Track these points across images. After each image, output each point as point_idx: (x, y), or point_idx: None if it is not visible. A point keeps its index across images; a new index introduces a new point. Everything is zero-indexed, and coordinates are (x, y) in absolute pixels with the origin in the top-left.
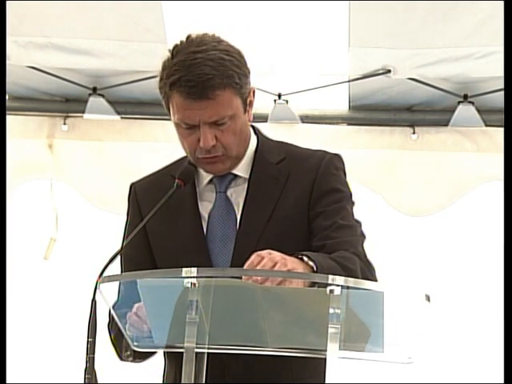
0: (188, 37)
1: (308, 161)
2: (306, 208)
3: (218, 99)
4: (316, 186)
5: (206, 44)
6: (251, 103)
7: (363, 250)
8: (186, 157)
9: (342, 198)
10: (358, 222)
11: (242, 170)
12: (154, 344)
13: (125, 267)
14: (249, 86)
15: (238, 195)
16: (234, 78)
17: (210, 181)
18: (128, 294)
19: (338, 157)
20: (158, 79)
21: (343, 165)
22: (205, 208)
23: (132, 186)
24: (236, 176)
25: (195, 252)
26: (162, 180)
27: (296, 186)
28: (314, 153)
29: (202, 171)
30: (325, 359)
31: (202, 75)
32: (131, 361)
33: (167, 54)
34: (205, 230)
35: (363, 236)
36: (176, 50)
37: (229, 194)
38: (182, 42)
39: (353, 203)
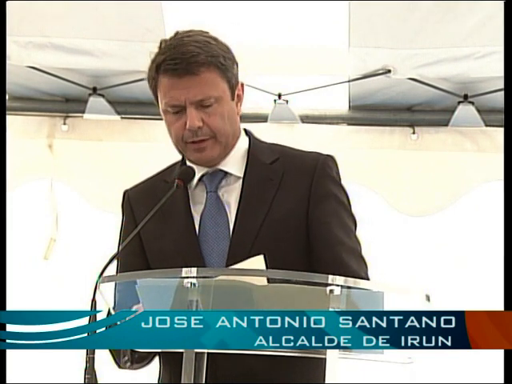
0: (176, 32)
1: (302, 162)
2: (304, 211)
3: (202, 76)
4: (313, 189)
5: (194, 32)
6: (240, 97)
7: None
8: (178, 161)
9: (340, 207)
10: (359, 243)
11: (234, 167)
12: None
13: (120, 272)
14: (236, 74)
15: (229, 195)
16: (219, 57)
17: (200, 179)
18: (127, 295)
19: (332, 158)
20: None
21: (337, 166)
22: (197, 208)
23: (125, 192)
24: (226, 174)
25: (187, 252)
26: (156, 186)
27: (292, 188)
28: (307, 154)
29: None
30: (325, 359)
31: (187, 52)
32: (129, 366)
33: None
34: (197, 231)
35: (365, 262)
36: (164, 43)
37: (220, 193)
38: (170, 37)
39: (354, 218)
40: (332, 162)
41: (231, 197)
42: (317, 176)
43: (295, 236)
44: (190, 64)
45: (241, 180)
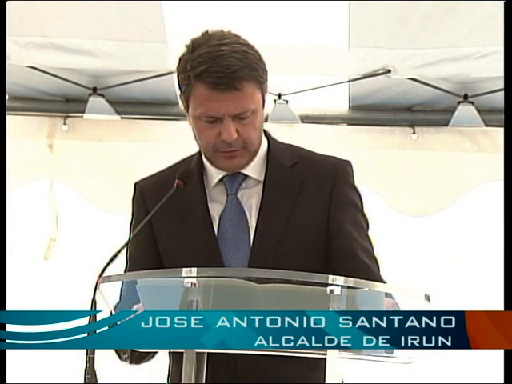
0: (205, 32)
1: (322, 167)
2: (325, 219)
3: (244, 91)
4: (334, 197)
5: (228, 38)
6: (265, 102)
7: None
8: (191, 156)
9: (359, 214)
10: (372, 245)
11: (254, 171)
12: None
13: (130, 270)
14: (267, 83)
15: (249, 197)
16: (258, 71)
17: (220, 180)
18: (128, 294)
19: (350, 164)
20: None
21: (353, 171)
22: (215, 209)
23: (136, 185)
24: (246, 176)
25: (205, 253)
26: (170, 179)
27: (312, 193)
28: (325, 158)
29: (210, 171)
30: (325, 359)
31: (230, 66)
32: (129, 363)
33: (183, 50)
34: (216, 232)
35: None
36: (196, 44)
37: (239, 195)
38: (198, 37)
39: (367, 221)
40: (350, 167)
41: (251, 200)
42: (337, 183)
43: (316, 241)
44: (234, 79)
45: (261, 183)
